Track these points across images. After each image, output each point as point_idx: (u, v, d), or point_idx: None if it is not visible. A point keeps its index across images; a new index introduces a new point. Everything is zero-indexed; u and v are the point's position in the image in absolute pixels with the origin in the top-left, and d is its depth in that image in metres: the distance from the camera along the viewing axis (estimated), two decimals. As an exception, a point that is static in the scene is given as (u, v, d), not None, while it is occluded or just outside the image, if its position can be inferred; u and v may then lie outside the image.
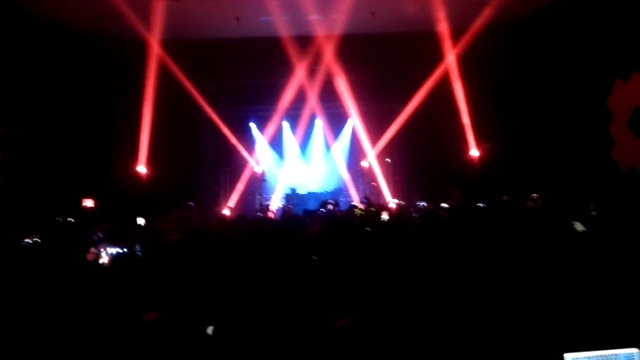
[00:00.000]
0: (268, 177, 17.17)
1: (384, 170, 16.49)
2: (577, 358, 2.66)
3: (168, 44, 13.00)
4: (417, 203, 12.65)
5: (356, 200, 15.19)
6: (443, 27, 13.05)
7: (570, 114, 12.18)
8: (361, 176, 17.41)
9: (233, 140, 15.97)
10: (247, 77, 14.97)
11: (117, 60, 12.67)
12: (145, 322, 3.41)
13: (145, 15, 11.88)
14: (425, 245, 4.75)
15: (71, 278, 4.35)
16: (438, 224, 5.46)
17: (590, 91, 11.70)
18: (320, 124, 17.38)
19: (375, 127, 16.06)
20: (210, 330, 3.36)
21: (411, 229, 5.75)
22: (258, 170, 16.75)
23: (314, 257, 4.52)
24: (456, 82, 13.87)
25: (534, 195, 9.39)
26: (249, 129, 17.26)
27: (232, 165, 16.81)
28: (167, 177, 13.71)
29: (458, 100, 14.05)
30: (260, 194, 16.97)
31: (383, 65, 14.58)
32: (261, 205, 15.74)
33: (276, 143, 17.73)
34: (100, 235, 7.02)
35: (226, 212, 13.66)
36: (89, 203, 11.67)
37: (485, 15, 12.45)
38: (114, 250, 5.88)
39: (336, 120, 17.14)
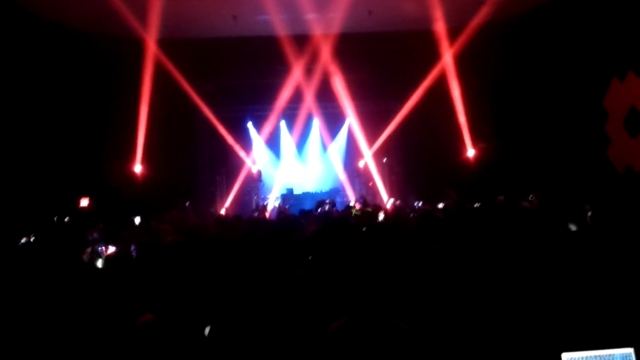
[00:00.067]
0: (264, 177, 17.17)
1: (380, 170, 16.50)
2: (574, 358, 2.67)
3: (165, 43, 12.97)
4: (414, 203, 12.67)
5: (353, 201, 15.19)
6: (440, 26, 13.03)
7: (566, 113, 12.18)
8: (357, 176, 17.43)
9: (230, 140, 15.97)
10: (244, 77, 14.95)
11: (114, 60, 12.62)
12: (140, 323, 3.40)
13: (142, 14, 11.84)
14: (420, 246, 4.75)
15: (66, 279, 4.34)
16: (434, 224, 5.46)
17: (586, 90, 11.71)
18: (317, 123, 17.39)
19: (372, 127, 16.08)
20: (207, 331, 3.36)
21: (407, 230, 5.74)
22: (254, 170, 16.74)
23: (309, 257, 4.52)
24: (452, 82, 13.86)
25: (531, 196, 9.38)
26: (245, 129, 17.27)
27: (228, 165, 16.81)
28: (163, 177, 13.69)
29: (454, 99, 14.05)
30: (257, 194, 16.97)
31: (380, 64, 14.57)
32: (257, 205, 15.74)
33: (273, 143, 17.74)
34: (95, 235, 6.99)
35: (222, 212, 13.65)
36: (84, 203, 11.65)
37: (481, 15, 12.44)
38: (109, 251, 5.86)
39: (333, 120, 17.15)
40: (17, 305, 3.80)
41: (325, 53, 13.79)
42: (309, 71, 14.70)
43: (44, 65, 11.62)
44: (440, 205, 10.29)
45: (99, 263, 5.72)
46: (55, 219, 9.94)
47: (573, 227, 5.18)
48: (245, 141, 16.99)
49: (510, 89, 13.28)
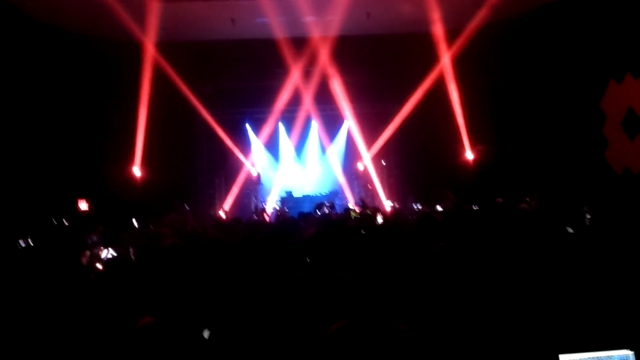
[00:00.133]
0: (263, 179, 17.16)
1: (379, 173, 16.50)
2: None
3: (163, 46, 12.98)
4: (413, 205, 12.68)
5: (352, 203, 15.19)
6: (438, 29, 13.05)
7: (564, 115, 12.20)
8: (356, 178, 17.43)
9: (228, 142, 15.96)
10: (242, 79, 14.96)
11: (112, 63, 12.64)
12: (139, 326, 3.40)
13: (140, 17, 11.86)
14: (419, 248, 4.75)
15: (65, 282, 4.34)
16: (432, 226, 5.47)
17: (584, 92, 11.73)
18: (315, 126, 17.39)
19: (371, 129, 16.07)
20: (206, 334, 3.36)
21: (405, 232, 5.75)
22: (253, 173, 16.73)
23: (307, 259, 4.52)
24: (451, 84, 13.88)
25: (528, 198, 9.39)
26: (244, 132, 17.26)
27: (227, 167, 16.80)
28: (162, 179, 13.69)
29: (453, 102, 14.07)
30: (256, 197, 16.95)
31: (378, 66, 14.58)
32: (256, 208, 15.73)
33: (271, 145, 17.72)
34: (94, 238, 7.00)
35: (221, 215, 13.65)
36: (83, 206, 11.65)
37: (479, 17, 12.47)
38: (108, 254, 5.87)
39: (331, 123, 17.14)
40: (16, 308, 3.80)
41: (324, 55, 13.80)
42: (307, 74, 14.71)
43: (43, 68, 11.63)
44: (439, 208, 10.32)
45: (98, 266, 5.72)
46: (54, 221, 9.95)
47: (570, 230, 5.20)
48: (244, 144, 16.98)
49: (508, 91, 13.30)
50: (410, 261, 4.38)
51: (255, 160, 17.23)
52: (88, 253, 5.92)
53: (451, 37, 13.36)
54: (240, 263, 3.90)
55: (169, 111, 13.69)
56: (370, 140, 16.01)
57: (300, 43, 13.56)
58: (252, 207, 16.35)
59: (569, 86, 12.01)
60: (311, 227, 6.93)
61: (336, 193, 17.22)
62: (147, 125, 13.35)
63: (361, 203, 13.21)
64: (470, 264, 4.10)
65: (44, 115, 11.72)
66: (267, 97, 15.29)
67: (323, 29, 13.10)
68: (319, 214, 11.03)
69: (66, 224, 10.07)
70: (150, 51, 12.86)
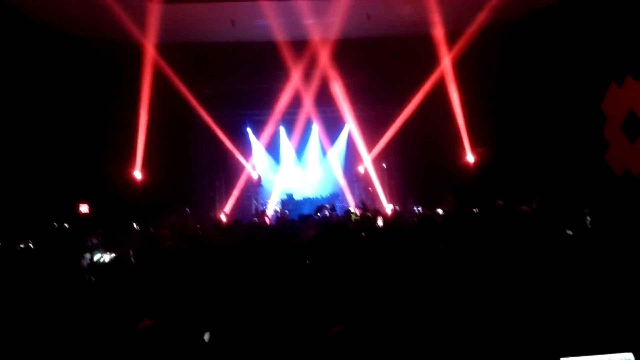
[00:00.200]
0: (264, 182, 17.16)
1: (380, 175, 16.50)
2: (573, 363, 2.67)
3: (163, 48, 12.97)
4: (413, 207, 12.67)
5: (352, 205, 15.18)
6: (438, 31, 13.05)
7: (564, 117, 12.20)
8: (357, 181, 17.42)
9: (229, 145, 15.96)
10: (242, 82, 14.95)
11: (112, 64, 12.65)
12: (139, 329, 3.40)
13: (140, 19, 11.87)
14: (419, 251, 4.75)
15: (65, 284, 4.33)
16: (433, 229, 5.46)
17: (584, 94, 11.73)
18: (316, 128, 17.39)
19: (371, 132, 16.08)
20: (207, 337, 3.35)
21: (406, 234, 5.74)
22: (254, 175, 16.73)
23: (306, 261, 4.51)
24: (451, 86, 13.88)
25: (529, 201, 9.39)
26: (244, 134, 17.26)
27: (227, 170, 16.80)
28: (162, 182, 13.68)
29: (453, 104, 14.06)
30: (256, 199, 16.95)
31: (379, 69, 14.58)
32: (257, 210, 15.73)
33: (272, 148, 17.72)
34: (95, 241, 6.99)
35: (222, 217, 13.65)
36: (84, 209, 11.65)
37: (480, 19, 12.46)
38: (107, 256, 5.86)
39: (332, 125, 17.15)
40: (16, 311, 3.80)
41: (324, 58, 13.80)
42: (307, 76, 14.70)
43: (43, 70, 11.63)
44: (440, 210, 10.31)
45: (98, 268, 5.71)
46: (54, 224, 9.94)
47: (570, 232, 5.19)
48: (244, 146, 16.98)
49: (509, 94, 13.30)
50: (411, 264, 4.37)
51: (255, 162, 17.23)
52: (87, 256, 5.91)
53: (451, 39, 13.36)
54: (241, 265, 3.89)
55: (169, 113, 13.68)
56: (370, 142, 16.01)
57: (300, 45, 13.56)
58: (253, 209, 16.34)
59: (569, 88, 12.01)
60: (311, 230, 6.93)
61: (337, 195, 17.22)
62: (147, 127, 13.34)
63: (361, 205, 13.20)
64: (470, 266, 4.10)
65: (44, 117, 11.73)
66: (268, 99, 15.29)
67: (323, 31, 13.10)
68: (320, 216, 11.02)
69: (66, 226, 10.07)
70: (150, 53, 12.85)
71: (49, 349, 3.51)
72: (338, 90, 14.83)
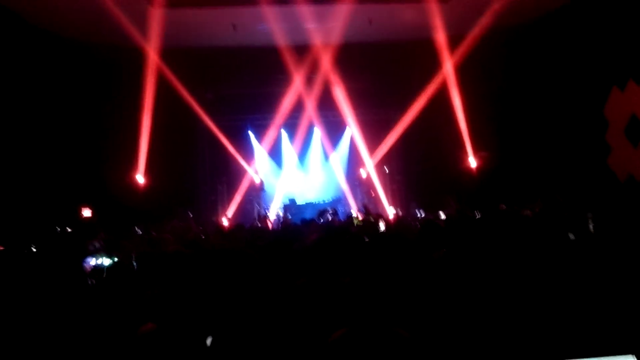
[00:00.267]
0: (266, 186, 17.16)
1: (382, 179, 16.50)
2: (574, 366, 2.66)
3: (165, 52, 12.99)
4: (415, 211, 12.66)
5: (354, 210, 15.18)
6: (440, 35, 13.06)
7: (567, 122, 12.19)
8: (359, 185, 17.43)
9: (231, 149, 15.97)
10: (244, 86, 14.98)
11: (114, 69, 12.67)
12: (141, 333, 3.40)
13: (142, 24, 11.89)
14: (422, 255, 4.74)
15: (67, 288, 4.33)
16: (435, 233, 5.45)
17: (587, 99, 11.73)
18: (318, 132, 17.40)
19: (373, 136, 16.09)
20: (209, 341, 3.35)
21: (408, 239, 5.73)
22: (256, 179, 16.74)
23: (308, 265, 4.51)
24: (453, 90, 13.88)
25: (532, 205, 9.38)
26: (246, 138, 17.28)
27: (229, 174, 16.81)
28: (165, 186, 13.68)
29: (455, 108, 14.06)
30: (259, 204, 16.95)
31: (381, 73, 14.61)
32: (259, 214, 15.73)
33: (274, 152, 17.73)
34: (97, 245, 6.99)
35: (224, 221, 13.65)
36: (86, 213, 11.66)
37: (482, 24, 12.47)
38: (108, 260, 5.85)
39: (334, 129, 17.17)
40: (19, 314, 3.80)
41: (326, 62, 13.82)
42: (309, 80, 14.72)
43: (43, 74, 11.63)
44: (442, 214, 10.31)
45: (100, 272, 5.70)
46: (57, 228, 9.95)
47: (572, 236, 5.18)
48: (246, 150, 17.00)
49: (511, 98, 13.30)
50: (413, 268, 4.37)
51: (257, 166, 17.24)
52: (90, 260, 5.90)
53: (453, 43, 13.37)
54: (243, 269, 3.89)
55: (171, 117, 13.70)
56: (372, 146, 16.02)
57: (302, 50, 13.58)
58: (255, 213, 16.33)
59: (571, 93, 12.01)
60: (314, 234, 6.93)
61: (339, 200, 17.21)
62: (150, 131, 13.35)
63: (364, 210, 13.20)
64: (473, 270, 4.09)
65: (46, 122, 11.74)
66: (270, 103, 15.31)
67: (325, 36, 13.12)
68: (322, 220, 11.02)
69: (69, 230, 10.08)
70: (152, 57, 12.87)
71: (51, 353, 3.51)
72: (340, 94, 14.84)
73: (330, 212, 12.43)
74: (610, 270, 3.90)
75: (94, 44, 12.61)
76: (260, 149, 17.29)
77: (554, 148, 12.47)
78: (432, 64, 13.68)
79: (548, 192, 9.39)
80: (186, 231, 9.82)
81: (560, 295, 3.68)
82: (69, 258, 5.89)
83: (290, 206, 16.59)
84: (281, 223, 12.63)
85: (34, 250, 7.07)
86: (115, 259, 5.86)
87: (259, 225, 12.47)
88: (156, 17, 11.86)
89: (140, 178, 13.54)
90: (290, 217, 14.53)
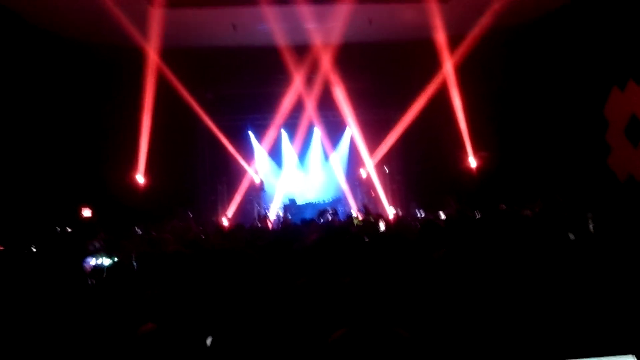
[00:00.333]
0: (266, 186, 17.15)
1: (382, 179, 16.50)
2: (575, 365, 2.66)
3: (165, 52, 12.99)
4: (416, 210, 12.66)
5: (354, 210, 15.17)
6: (440, 35, 13.06)
7: (567, 122, 12.19)
8: (359, 185, 17.42)
9: (231, 149, 15.97)
10: (244, 86, 14.97)
11: (114, 69, 12.67)
12: (141, 333, 3.39)
13: (142, 24, 11.89)
14: (422, 255, 4.74)
15: (67, 288, 4.33)
16: (435, 233, 5.45)
17: (587, 99, 11.72)
18: (318, 132, 17.40)
19: (373, 136, 16.08)
20: (209, 341, 3.34)
21: (408, 239, 5.73)
22: (256, 179, 16.73)
23: (308, 265, 4.51)
24: (453, 90, 13.87)
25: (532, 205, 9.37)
26: (246, 138, 17.27)
27: (229, 174, 16.80)
28: (165, 186, 13.67)
29: (455, 108, 14.06)
30: (259, 204, 16.94)
31: (381, 73, 14.61)
32: (259, 214, 15.73)
33: (274, 152, 17.73)
34: (97, 245, 6.99)
35: (224, 221, 13.65)
36: (86, 213, 11.65)
37: (482, 23, 12.47)
38: (108, 260, 5.85)
39: (334, 129, 17.16)
40: (19, 314, 3.80)
41: (326, 62, 13.82)
42: (309, 80, 14.72)
43: (42, 74, 11.63)
44: (442, 214, 10.31)
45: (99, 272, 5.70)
46: (57, 228, 9.95)
47: (571, 236, 5.19)
48: (246, 150, 16.99)
49: (511, 98, 13.29)
50: (413, 267, 4.36)
51: (258, 166, 17.24)
52: (90, 260, 5.90)
53: (453, 43, 13.37)
54: (243, 269, 3.89)
55: (171, 117, 13.69)
56: (372, 147, 16.01)
57: (302, 50, 13.58)
58: (255, 213, 16.33)
59: (572, 93, 12.00)
60: (313, 234, 6.93)
61: (339, 200, 17.20)
62: (150, 131, 13.34)
63: (364, 210, 13.19)
64: (473, 270, 4.09)
65: (46, 122, 11.73)
66: (270, 103, 15.30)
67: (325, 36, 13.11)
68: (322, 220, 11.02)
69: (69, 230, 10.08)
70: (152, 57, 12.87)
71: (51, 353, 3.50)
72: (340, 94, 14.84)
73: (330, 212, 12.42)
74: (610, 270, 3.89)
75: (93, 44, 12.60)
76: (260, 149, 17.28)
77: (554, 148, 12.46)
78: (432, 64, 13.67)
79: (548, 192, 9.39)
80: (186, 231, 9.82)
81: (560, 295, 3.68)
82: (69, 258, 5.89)
83: (290, 206, 16.58)
84: (281, 223, 12.63)
85: (34, 250, 7.07)
86: (115, 259, 5.86)
87: (259, 225, 12.46)
88: (156, 17, 11.85)
89: (140, 178, 13.53)
90: (290, 217, 14.53)
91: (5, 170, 10.45)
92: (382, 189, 16.28)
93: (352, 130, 16.40)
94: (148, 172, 13.65)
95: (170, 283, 3.88)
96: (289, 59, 13.50)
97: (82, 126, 12.55)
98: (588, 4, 11.39)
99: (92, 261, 5.88)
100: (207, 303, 3.61)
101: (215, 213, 16.01)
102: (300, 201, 17.16)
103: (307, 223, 9.20)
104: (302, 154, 17.97)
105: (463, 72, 13.58)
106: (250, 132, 17.33)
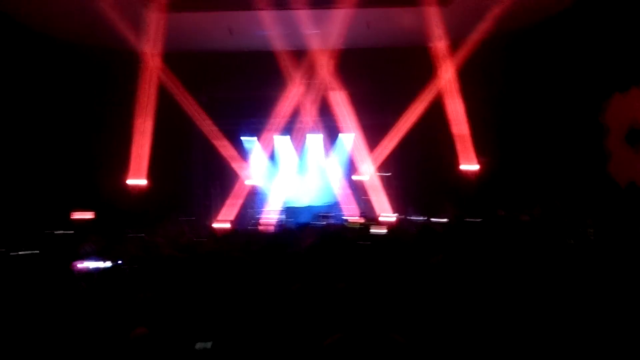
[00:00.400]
0: (261, 190, 17.11)
1: (379, 184, 16.47)
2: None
3: (161, 56, 12.97)
4: (414, 217, 12.64)
5: (350, 214, 15.14)
6: (439, 41, 13.06)
7: (567, 127, 12.18)
8: (356, 190, 17.39)
9: (225, 153, 15.92)
10: (240, 90, 14.95)
11: (110, 72, 12.68)
12: (133, 337, 3.36)
13: (138, 27, 11.89)
14: (419, 260, 4.71)
15: (59, 291, 4.31)
16: (432, 238, 5.42)
17: (588, 104, 11.71)
18: (314, 137, 17.37)
19: (371, 141, 16.07)
20: (198, 346, 3.31)
21: (405, 243, 5.70)
22: (252, 183, 16.68)
23: (303, 270, 4.47)
24: (452, 95, 13.85)
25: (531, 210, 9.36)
26: (242, 142, 17.24)
27: (224, 178, 16.75)
28: (158, 190, 13.60)
29: (453, 113, 14.03)
30: (253, 208, 16.90)
31: (379, 78, 14.60)
32: (254, 219, 15.68)
33: (270, 156, 17.70)
34: (89, 249, 6.95)
35: (218, 225, 13.57)
36: (80, 216, 11.59)
37: (482, 28, 12.46)
38: (100, 264, 5.80)
39: (331, 134, 17.14)
40: (12, 317, 3.78)
41: (324, 67, 13.81)
42: (306, 85, 14.71)
43: (37, 77, 11.65)
44: (440, 219, 10.29)
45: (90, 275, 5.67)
46: (50, 231, 9.90)
47: (571, 242, 5.18)
48: (241, 154, 16.95)
49: (512, 102, 13.29)
50: (410, 272, 4.33)
51: (253, 171, 17.19)
52: (82, 264, 5.86)
53: (453, 48, 13.38)
54: (236, 274, 3.85)
55: (166, 121, 13.63)
56: (370, 151, 15.99)
57: (299, 54, 13.60)
58: (249, 218, 16.28)
59: (572, 98, 11.99)
60: (309, 238, 6.88)
61: (335, 204, 17.16)
62: (144, 135, 13.28)
63: (361, 214, 13.16)
64: (470, 276, 4.06)
65: (40, 124, 11.73)
66: (266, 107, 15.26)
67: (323, 40, 13.11)
68: (318, 225, 10.99)
69: (62, 233, 10.02)
70: (148, 61, 12.84)
71: (43, 356, 3.48)
72: (338, 99, 14.83)
73: (326, 216, 12.40)
74: (611, 276, 3.88)
75: (89, 46, 12.60)
76: (255, 153, 17.24)
77: (553, 153, 12.44)
78: (432, 69, 13.67)
79: (547, 197, 9.38)
80: (179, 235, 9.78)
81: (558, 301, 3.66)
82: (61, 261, 5.88)
83: (286, 210, 16.54)
84: (276, 227, 12.60)
85: (27, 253, 7.02)
86: (108, 263, 5.81)
87: (253, 229, 12.42)
88: (153, 21, 11.85)
89: (134, 182, 13.45)
90: (285, 221, 14.49)
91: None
92: (379, 194, 16.24)
93: (350, 135, 16.39)
94: (142, 175, 13.57)
95: (163, 287, 3.84)
96: (286, 63, 13.51)
97: (76, 129, 12.53)
98: (589, 9, 11.38)
99: (85, 264, 5.84)
100: (199, 307, 3.59)
101: (210, 217, 15.95)
102: (295, 205, 17.12)
103: (303, 227, 9.17)
104: (299, 158, 17.93)
105: (463, 76, 13.57)
106: (245, 136, 17.29)
